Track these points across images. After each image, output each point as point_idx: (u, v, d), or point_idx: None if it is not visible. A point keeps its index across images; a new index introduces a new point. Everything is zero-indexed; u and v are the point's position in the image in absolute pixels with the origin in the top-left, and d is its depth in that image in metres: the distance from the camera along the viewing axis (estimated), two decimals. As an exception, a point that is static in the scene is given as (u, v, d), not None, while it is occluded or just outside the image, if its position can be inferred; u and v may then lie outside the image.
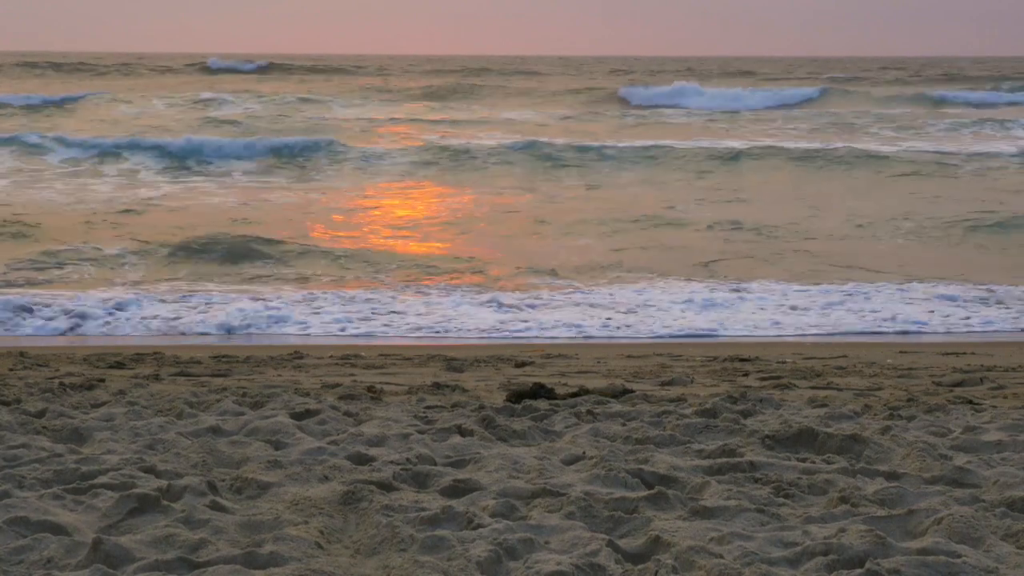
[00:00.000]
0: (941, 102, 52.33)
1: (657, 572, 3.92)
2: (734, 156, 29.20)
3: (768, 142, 32.94)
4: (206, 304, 12.40)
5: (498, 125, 39.69)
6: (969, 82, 66.80)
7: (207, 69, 78.11)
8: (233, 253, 15.69)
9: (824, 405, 7.05)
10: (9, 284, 13.40)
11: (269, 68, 79.51)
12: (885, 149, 30.93)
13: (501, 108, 47.72)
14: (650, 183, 25.53)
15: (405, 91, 57.95)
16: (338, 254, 15.90)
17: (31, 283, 13.57)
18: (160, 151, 28.54)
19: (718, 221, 19.44)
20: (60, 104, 43.86)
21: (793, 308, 12.61)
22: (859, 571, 3.91)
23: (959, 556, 4.04)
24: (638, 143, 31.66)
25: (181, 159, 27.93)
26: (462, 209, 21.83)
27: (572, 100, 53.72)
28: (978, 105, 50.73)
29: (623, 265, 15.42)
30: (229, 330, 11.46)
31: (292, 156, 28.58)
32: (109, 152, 28.59)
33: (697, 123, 42.20)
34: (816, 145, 31.44)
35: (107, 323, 11.63)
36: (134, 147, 28.92)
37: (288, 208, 21.11)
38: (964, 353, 10.18)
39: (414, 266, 15.28)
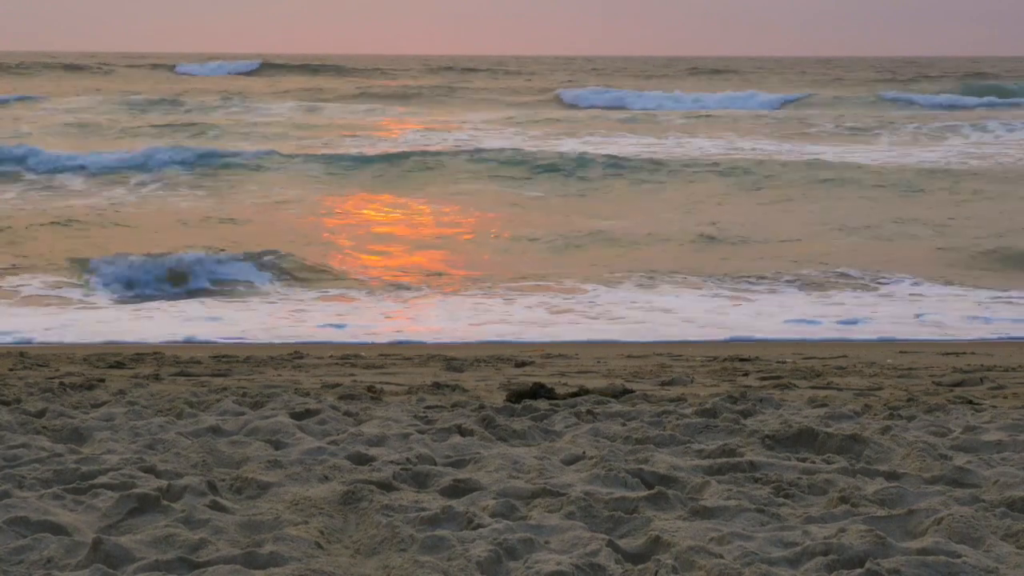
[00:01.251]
0: (899, 104, 51.96)
1: (657, 572, 3.92)
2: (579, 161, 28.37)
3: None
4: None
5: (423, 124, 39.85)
6: (940, 83, 66.55)
7: (185, 69, 78.40)
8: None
9: (824, 405, 7.04)
10: None
11: (260, 68, 79.69)
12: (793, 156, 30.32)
13: (434, 111, 47.87)
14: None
15: (358, 93, 57.87)
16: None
17: None
18: None
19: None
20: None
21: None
22: (859, 571, 3.91)
23: (959, 556, 4.04)
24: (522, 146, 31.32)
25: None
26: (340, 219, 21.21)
27: (514, 101, 53.83)
28: (934, 107, 50.49)
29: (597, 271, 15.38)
30: None
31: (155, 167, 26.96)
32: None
33: (613, 125, 41.56)
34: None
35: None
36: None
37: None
38: (964, 353, 10.17)
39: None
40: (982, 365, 9.35)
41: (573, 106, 52.62)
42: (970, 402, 7.33)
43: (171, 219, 20.20)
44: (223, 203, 22.64)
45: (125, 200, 22.92)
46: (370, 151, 30.21)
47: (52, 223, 19.05)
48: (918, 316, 12.30)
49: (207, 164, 27.24)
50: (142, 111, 44.53)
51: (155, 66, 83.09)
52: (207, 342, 11.00)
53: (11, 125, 37.05)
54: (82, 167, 26.49)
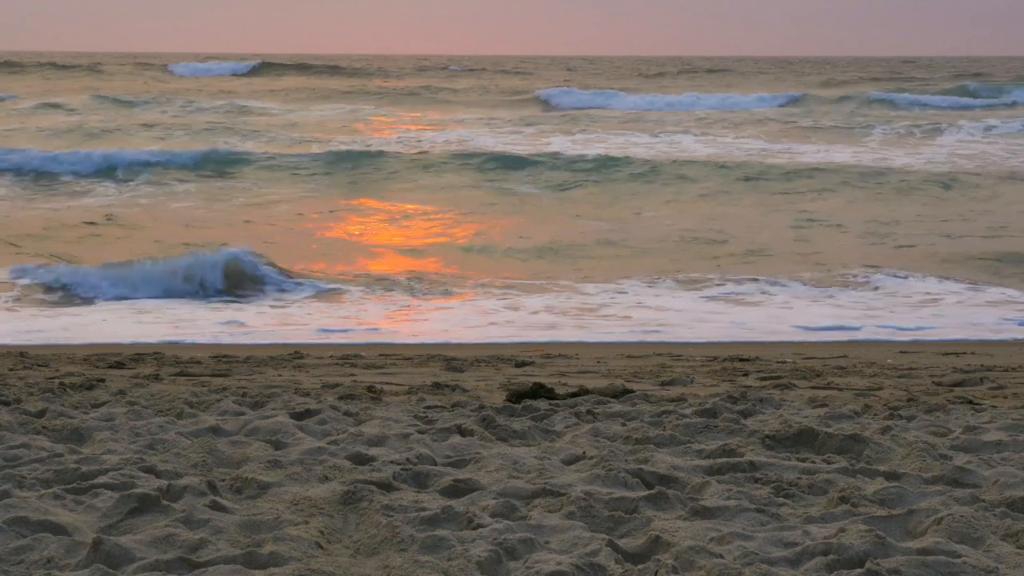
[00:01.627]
0: (895, 103, 51.83)
1: (657, 572, 3.92)
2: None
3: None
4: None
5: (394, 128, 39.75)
6: (936, 83, 66.50)
7: (179, 70, 78.61)
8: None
9: (824, 405, 7.04)
10: None
11: (255, 68, 79.81)
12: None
13: (429, 111, 47.85)
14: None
15: (353, 92, 57.87)
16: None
17: None
18: None
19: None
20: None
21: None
22: (859, 571, 3.91)
23: (959, 556, 4.04)
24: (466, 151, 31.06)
25: None
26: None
27: (511, 101, 53.84)
28: (930, 107, 50.44)
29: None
30: None
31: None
32: None
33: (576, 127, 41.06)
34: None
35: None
36: None
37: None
38: (964, 353, 10.17)
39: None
40: (982, 365, 9.35)
41: (566, 107, 52.68)
42: (970, 402, 7.33)
43: (166, 219, 20.21)
44: (217, 202, 22.65)
45: (118, 200, 22.93)
46: (365, 150, 30.22)
47: (46, 223, 19.06)
48: (922, 315, 12.29)
49: (202, 164, 27.24)
50: (134, 110, 44.53)
51: (148, 66, 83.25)
52: (207, 342, 10.99)
53: (3, 124, 37.07)
54: (74, 167, 26.44)
